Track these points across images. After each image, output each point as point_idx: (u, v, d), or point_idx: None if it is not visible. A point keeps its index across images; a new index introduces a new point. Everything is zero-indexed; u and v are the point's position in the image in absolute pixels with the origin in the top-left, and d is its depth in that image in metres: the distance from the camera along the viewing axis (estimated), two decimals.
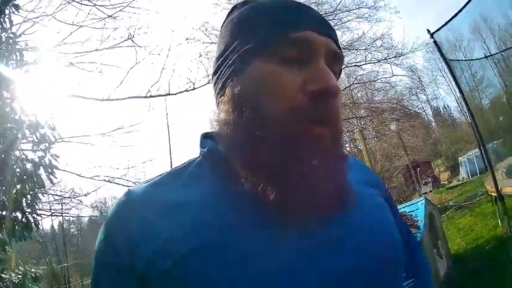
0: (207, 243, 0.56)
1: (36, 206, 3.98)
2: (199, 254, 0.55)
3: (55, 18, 6.25)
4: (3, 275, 3.59)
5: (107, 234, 0.64)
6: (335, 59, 0.67)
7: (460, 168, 20.28)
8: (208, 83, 7.80)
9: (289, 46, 0.62)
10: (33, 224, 3.71)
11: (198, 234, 0.57)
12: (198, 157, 0.73)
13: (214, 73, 0.74)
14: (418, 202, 6.42)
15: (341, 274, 0.57)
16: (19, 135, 3.77)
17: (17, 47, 4.07)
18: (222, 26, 0.77)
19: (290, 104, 0.60)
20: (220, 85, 0.71)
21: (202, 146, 0.74)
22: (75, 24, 6.49)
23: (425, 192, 18.11)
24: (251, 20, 0.68)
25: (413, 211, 6.20)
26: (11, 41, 3.95)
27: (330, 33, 0.67)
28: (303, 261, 0.56)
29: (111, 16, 6.87)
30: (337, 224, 0.61)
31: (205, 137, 0.76)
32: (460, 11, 6.84)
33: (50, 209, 7.83)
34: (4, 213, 3.49)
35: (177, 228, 0.58)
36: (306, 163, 0.58)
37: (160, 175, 0.71)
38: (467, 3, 6.67)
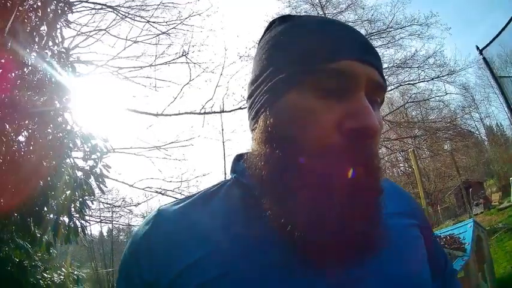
0: (229, 273, 0.55)
1: (85, 212, 4.14)
2: (220, 283, 0.55)
3: (109, 33, 6.55)
4: (45, 274, 3.74)
5: (134, 248, 0.65)
6: (377, 90, 0.62)
7: (511, 189, 19.25)
8: None
9: (326, 77, 0.57)
10: (80, 228, 3.87)
11: (221, 264, 0.56)
12: (230, 180, 0.71)
13: (249, 97, 0.70)
14: (466, 224, 6.23)
15: None
16: (70, 145, 3.96)
17: (70, 59, 4.30)
18: (258, 44, 0.73)
19: (324, 141, 0.55)
20: (254, 113, 0.67)
21: (234, 169, 0.72)
22: (129, 40, 6.82)
23: (476, 214, 17.32)
24: (286, 45, 0.63)
25: (461, 233, 6.03)
26: (63, 55, 4.17)
27: (373, 62, 0.60)
28: None
29: (164, 33, 7.20)
30: (361, 263, 0.56)
31: (239, 159, 0.73)
32: (506, 25, 6.65)
33: (100, 216, 8.16)
34: (52, 216, 3.67)
35: (202, 255, 0.58)
36: (338, 208, 0.53)
37: (192, 196, 0.70)
38: None
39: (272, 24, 0.72)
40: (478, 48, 7.11)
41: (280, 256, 0.56)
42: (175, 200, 0.72)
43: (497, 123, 39.75)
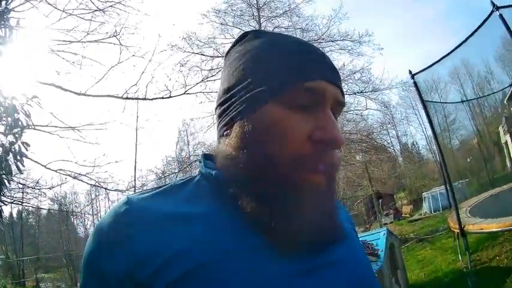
0: (207, 262, 0.57)
1: (1, 193, 3.85)
2: (200, 272, 0.57)
3: (46, 1, 6.12)
4: None
5: (104, 239, 0.63)
6: (339, 107, 0.71)
7: (423, 203, 20.76)
8: (185, 93, 7.82)
9: (302, 94, 0.64)
10: None
11: (200, 254, 0.58)
12: (197, 175, 0.75)
13: (221, 103, 0.74)
14: (380, 232, 6.56)
15: None
16: None
17: (8, 23, 3.96)
18: (229, 54, 0.78)
19: (297, 150, 0.62)
20: (228, 118, 0.71)
21: (206, 166, 0.74)
22: (65, 11, 6.35)
23: (386, 223, 18.44)
24: (267, 61, 0.69)
25: (374, 240, 6.33)
26: (4, 16, 3.84)
27: (338, 83, 0.69)
28: (284, 285, 0.59)
29: (101, 10, 6.79)
30: (323, 254, 0.65)
31: (206, 158, 0.77)
32: (443, 57, 7.15)
33: (12, 197, 7.60)
34: None
35: (179, 245, 0.59)
36: (303, 205, 0.61)
37: (158, 188, 0.71)
38: (452, 51, 6.96)
39: (244, 37, 0.77)
40: (410, 72, 7.61)
41: (254, 245, 0.61)
42: (140, 191, 0.72)
43: (413, 141, 42.81)
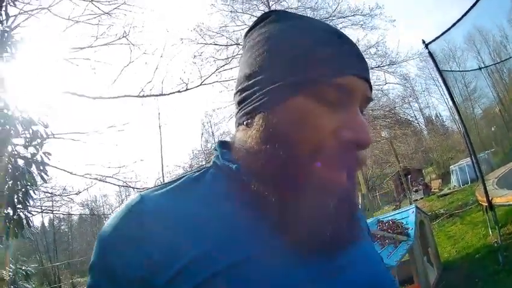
0: (228, 267, 0.56)
1: (28, 203, 3.92)
2: (220, 278, 0.55)
3: (50, 12, 6.18)
4: None
5: (116, 241, 0.60)
6: (366, 103, 0.68)
7: (451, 177, 20.36)
8: (201, 84, 7.83)
9: (332, 90, 0.61)
10: (24, 221, 3.67)
11: (220, 257, 0.56)
12: (212, 166, 0.71)
13: (242, 90, 0.70)
14: (408, 210, 6.46)
15: None
16: (12, 132, 3.73)
17: (12, 40, 4.03)
18: (249, 35, 0.73)
19: (323, 148, 0.60)
20: (249, 108, 0.67)
21: (223, 157, 0.70)
22: (71, 19, 6.45)
23: (416, 200, 18.19)
24: (294, 50, 0.64)
25: (403, 218, 6.24)
26: (6, 34, 3.91)
27: (367, 78, 0.66)
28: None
29: (107, 13, 6.86)
30: (342, 255, 0.63)
31: (223, 146, 0.75)
32: (455, 23, 6.92)
33: (41, 206, 7.79)
34: None
35: (198, 250, 0.57)
36: (331, 206, 0.60)
37: (173, 182, 0.68)
38: (464, 15, 6.74)
39: (266, 18, 0.72)
40: (424, 42, 7.33)
41: (275, 248, 0.59)
42: (154, 186, 0.69)
43: (436, 113, 41.88)
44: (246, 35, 0.74)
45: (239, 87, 0.71)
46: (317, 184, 0.60)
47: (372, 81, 0.69)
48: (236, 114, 0.73)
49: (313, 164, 0.59)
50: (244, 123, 0.69)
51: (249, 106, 0.67)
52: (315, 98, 0.61)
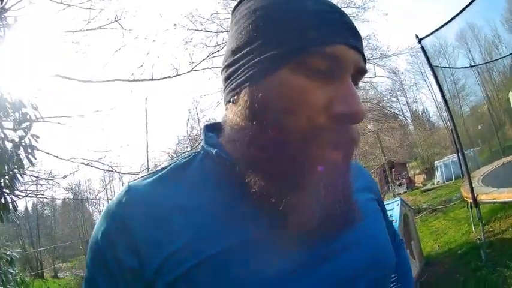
0: (216, 254, 0.56)
1: (15, 187, 3.88)
2: (206, 266, 0.55)
3: None
4: None
5: (107, 233, 0.61)
6: (360, 74, 0.63)
7: (436, 172, 20.65)
8: (192, 70, 7.81)
9: (321, 60, 0.57)
10: (10, 205, 3.62)
11: (208, 245, 0.57)
12: (200, 152, 0.70)
13: (228, 65, 0.67)
14: (393, 202, 6.52)
15: (334, 285, 0.60)
16: (1, 113, 3.67)
17: (4, 22, 3.94)
18: (237, 9, 0.69)
19: (313, 123, 0.56)
20: (234, 84, 0.64)
21: (207, 142, 0.69)
22: (63, 3, 6.34)
23: (400, 193, 18.39)
24: (281, 21, 0.60)
25: (388, 211, 6.30)
26: (1, 16, 3.82)
27: (360, 48, 0.61)
28: (301, 273, 0.58)
29: None
30: (338, 237, 0.62)
31: (209, 129, 0.73)
32: (450, 20, 6.97)
33: (25, 190, 7.70)
34: None
35: (185, 238, 0.57)
36: (323, 187, 0.57)
37: (161, 170, 0.68)
38: (458, 14, 6.79)
39: None
40: (417, 37, 7.36)
41: (265, 231, 0.59)
42: (143, 175, 0.69)
43: (423, 108, 42.33)
44: (233, 11, 0.70)
45: (225, 63, 0.68)
46: (308, 164, 0.57)
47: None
48: (223, 91, 0.70)
49: (303, 141, 0.56)
50: (231, 100, 0.66)
51: (235, 82, 0.65)
52: (303, 70, 0.57)
